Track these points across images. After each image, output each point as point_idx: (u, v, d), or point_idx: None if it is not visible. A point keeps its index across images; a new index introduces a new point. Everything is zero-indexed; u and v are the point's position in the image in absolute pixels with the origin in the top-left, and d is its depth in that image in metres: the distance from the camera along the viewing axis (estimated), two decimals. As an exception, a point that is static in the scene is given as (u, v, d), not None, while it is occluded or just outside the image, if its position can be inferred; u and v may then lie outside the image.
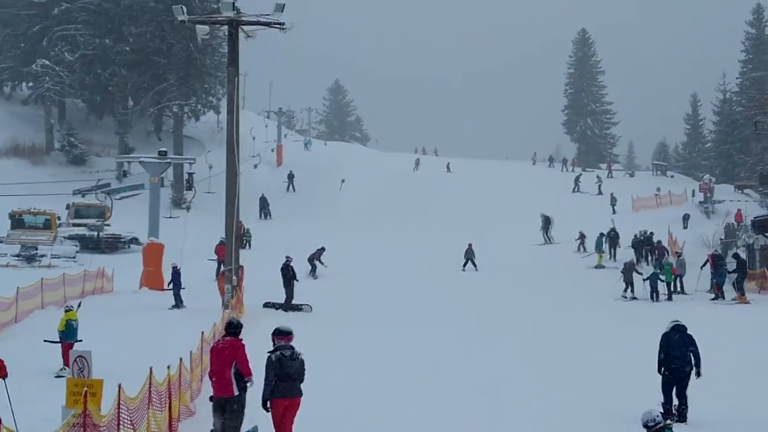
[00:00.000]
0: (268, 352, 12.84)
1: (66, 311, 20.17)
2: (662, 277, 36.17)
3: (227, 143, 29.75)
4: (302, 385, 12.87)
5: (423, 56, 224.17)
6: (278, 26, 28.81)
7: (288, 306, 30.99)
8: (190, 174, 44.56)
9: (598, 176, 77.24)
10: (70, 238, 44.95)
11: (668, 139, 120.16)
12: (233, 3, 28.58)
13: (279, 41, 31.08)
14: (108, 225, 47.51)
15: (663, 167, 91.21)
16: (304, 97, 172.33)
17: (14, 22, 71.36)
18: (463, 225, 54.44)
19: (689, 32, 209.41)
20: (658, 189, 69.54)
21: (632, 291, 35.99)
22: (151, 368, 12.99)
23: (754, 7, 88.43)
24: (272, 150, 79.13)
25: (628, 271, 36.63)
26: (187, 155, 59.03)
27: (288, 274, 31.98)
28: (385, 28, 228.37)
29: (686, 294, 36.97)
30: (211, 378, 13.45)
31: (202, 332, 18.31)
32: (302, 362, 12.88)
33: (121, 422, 11.17)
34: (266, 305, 30.84)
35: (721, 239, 49.02)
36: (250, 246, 47.70)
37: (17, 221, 44.41)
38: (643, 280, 35.85)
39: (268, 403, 12.68)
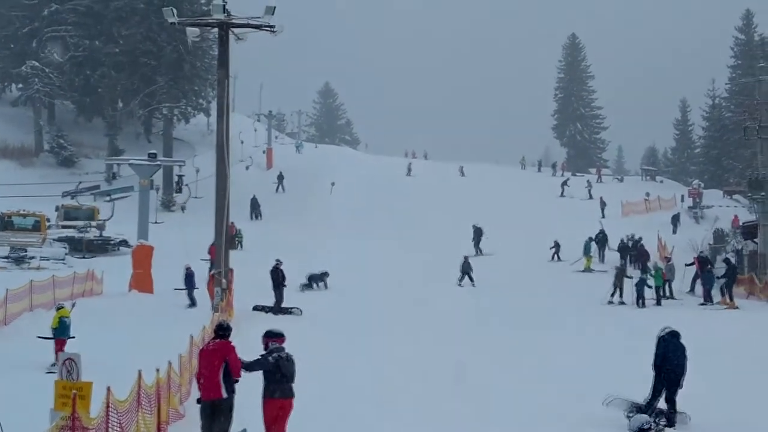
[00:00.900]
0: (262, 355, 12.87)
1: (58, 309, 20.73)
2: (649, 283, 36.18)
3: (217, 146, 29.69)
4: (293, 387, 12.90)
5: (413, 60, 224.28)
6: (268, 29, 28.75)
7: (278, 309, 30.95)
8: (180, 176, 44.55)
9: (588, 181, 77.34)
10: (60, 240, 44.82)
11: (657, 144, 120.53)
12: (224, 5, 28.55)
13: (269, 44, 31.10)
14: (96, 227, 47.37)
15: (652, 172, 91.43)
16: (295, 99, 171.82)
17: (3, 23, 71.18)
18: (451, 228, 54.44)
19: (679, 38, 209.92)
20: (648, 194, 69.72)
21: (621, 295, 36.04)
22: (140, 371, 12.95)
23: (743, 12, 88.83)
24: (263, 152, 79.30)
25: (619, 275, 36.72)
26: (176, 158, 58.99)
27: (277, 278, 31.95)
28: (375, 32, 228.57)
29: (675, 299, 37.03)
30: (198, 380, 13.38)
31: (191, 335, 18.27)
32: (294, 363, 13.01)
33: (110, 425, 11.13)
34: (256, 308, 30.79)
35: (710, 244, 49.21)
36: (242, 246, 48.21)
37: (6, 223, 44.30)
38: (634, 285, 35.90)
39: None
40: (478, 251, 49.48)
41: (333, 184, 69.04)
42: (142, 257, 35.50)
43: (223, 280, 28.67)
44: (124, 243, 46.16)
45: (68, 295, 30.67)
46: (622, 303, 35.67)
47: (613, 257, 46.61)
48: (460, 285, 39.99)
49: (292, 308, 30.89)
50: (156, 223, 40.66)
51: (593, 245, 46.89)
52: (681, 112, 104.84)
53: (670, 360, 16.04)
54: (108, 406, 11.14)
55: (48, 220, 45.88)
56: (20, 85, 72.48)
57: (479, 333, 27.37)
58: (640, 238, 46.29)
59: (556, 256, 48.25)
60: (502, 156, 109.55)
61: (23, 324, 24.99)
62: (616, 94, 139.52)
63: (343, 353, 22.86)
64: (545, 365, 21.90)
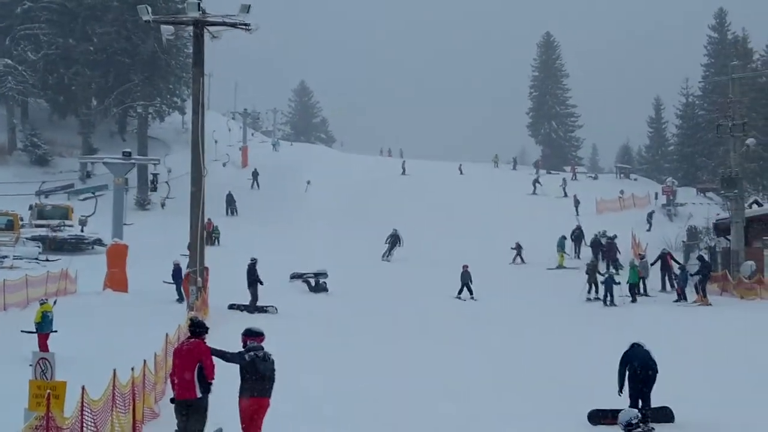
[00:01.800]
0: (239, 352, 12.85)
1: (41, 303, 21.47)
2: (617, 280, 35.98)
3: (192, 144, 29.64)
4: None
5: (389, 58, 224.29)
6: (243, 27, 28.74)
7: (253, 307, 30.92)
8: (155, 175, 44.32)
9: (564, 179, 77.51)
10: (33, 239, 44.51)
11: (632, 142, 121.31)
12: (198, 3, 28.47)
13: (245, 42, 31.06)
14: (80, 224, 47.17)
15: (626, 170, 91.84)
16: (270, 98, 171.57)
17: (-24, 21, 70.60)
18: (426, 226, 54.53)
19: (653, 36, 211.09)
20: (622, 191, 70.00)
21: (596, 291, 36.20)
22: (114, 370, 12.90)
23: (717, 11, 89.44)
24: (239, 149, 79.33)
25: (591, 271, 36.88)
26: (151, 156, 58.72)
27: (253, 276, 31.90)
28: (350, 31, 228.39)
29: (649, 296, 37.22)
30: (172, 379, 13.28)
31: (167, 334, 18.23)
32: (273, 363, 12.94)
33: (84, 425, 11.08)
34: (231, 307, 30.75)
35: (683, 241, 49.52)
36: (219, 243, 48.91)
37: (-22, 222, 43.92)
38: (601, 282, 35.96)
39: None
40: (388, 255, 46.75)
41: (308, 182, 69.03)
42: (117, 256, 35.35)
43: (199, 279, 28.60)
44: (99, 242, 45.91)
45: (42, 295, 30.48)
46: (597, 299, 35.82)
47: (588, 254, 46.80)
48: (459, 297, 36.71)
49: (267, 307, 30.86)
50: (126, 224, 40.41)
51: (566, 242, 46.93)
52: (655, 110, 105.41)
53: (633, 365, 16.20)
54: (82, 406, 11.09)
55: (21, 219, 45.56)
56: (-7, 84, 71.94)
57: (453, 332, 27.47)
58: (615, 236, 46.42)
59: (518, 258, 46.78)
60: (477, 154, 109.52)
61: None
62: (590, 92, 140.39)
63: (319, 352, 22.85)
64: (522, 364, 21.99)
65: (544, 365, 21.80)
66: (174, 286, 32.96)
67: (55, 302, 22.74)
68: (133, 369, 14.02)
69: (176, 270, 32.95)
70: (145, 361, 15.19)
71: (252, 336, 13.07)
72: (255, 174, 69.29)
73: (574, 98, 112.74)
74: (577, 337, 26.58)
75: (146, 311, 29.46)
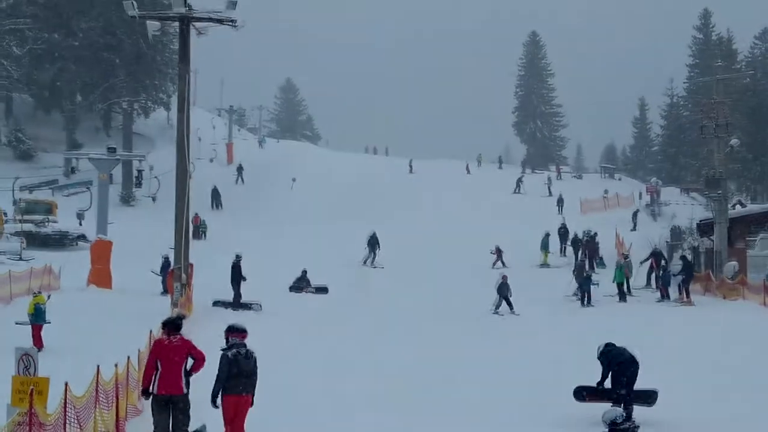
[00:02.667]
0: (222, 349, 12.81)
1: (34, 296, 22.43)
2: (595, 281, 35.61)
3: (177, 141, 29.54)
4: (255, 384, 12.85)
5: (374, 56, 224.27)
6: (230, 23, 28.66)
7: (237, 304, 30.88)
8: (140, 171, 44.23)
9: (549, 178, 77.70)
10: (17, 234, 44.31)
11: (616, 141, 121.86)
12: (185, -1, 28.41)
13: (231, 38, 31.02)
14: (55, 221, 47.02)
15: (611, 170, 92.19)
16: (256, 95, 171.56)
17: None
18: (411, 224, 54.60)
19: (638, 36, 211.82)
20: (606, 191, 70.25)
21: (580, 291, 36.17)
22: (98, 366, 12.88)
23: (701, 12, 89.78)
24: (226, 143, 79.68)
25: (579, 271, 36.90)
26: (136, 152, 58.55)
27: (237, 273, 31.87)
28: (335, 28, 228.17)
29: (632, 295, 37.27)
30: (151, 374, 12.82)
31: (150, 330, 18.19)
32: (255, 360, 12.90)
33: (67, 421, 11.08)
34: (216, 304, 30.73)
35: (667, 241, 49.67)
36: (205, 237, 49.79)
37: (-38, 218, 43.70)
38: (578, 282, 35.78)
39: (219, 399, 12.65)
40: (370, 260, 44.32)
41: (294, 179, 69.07)
42: (101, 252, 35.28)
43: (183, 275, 28.55)
44: (83, 238, 45.78)
45: (25, 290, 30.41)
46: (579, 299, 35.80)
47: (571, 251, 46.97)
48: (497, 312, 32.65)
49: (252, 303, 30.84)
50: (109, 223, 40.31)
51: (550, 239, 46.89)
52: (640, 110, 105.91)
53: (615, 362, 16.34)
54: (66, 402, 11.08)
55: (5, 214, 45.36)
56: (-23, 78, 71.59)
57: (435, 331, 27.53)
58: (595, 234, 46.49)
59: (499, 262, 44.60)
60: (462, 153, 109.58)
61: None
62: (576, 92, 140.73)
63: (303, 349, 22.89)
64: (505, 364, 22.05)
65: (522, 364, 21.86)
66: (160, 278, 33.83)
67: (49, 297, 23.55)
68: (116, 365, 13.99)
69: (165, 263, 33.47)
70: (128, 357, 15.17)
71: (234, 332, 12.99)
72: (240, 169, 70.20)
73: (559, 98, 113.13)
74: (559, 337, 26.66)
75: (130, 307, 29.38)
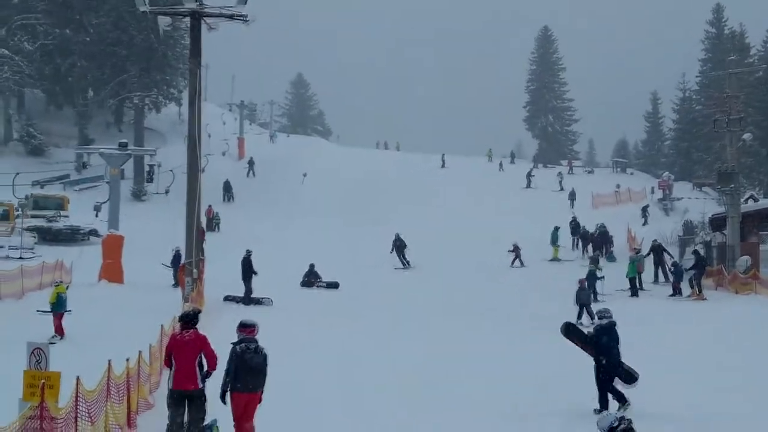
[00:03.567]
0: (232, 344, 12.79)
1: (56, 285, 23.13)
2: (599, 275, 34.85)
3: (189, 136, 29.56)
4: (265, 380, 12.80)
5: (385, 51, 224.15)
6: (241, 18, 28.63)
7: (248, 299, 30.91)
8: (151, 166, 44.14)
9: (560, 173, 77.53)
10: (29, 229, 44.44)
11: (628, 136, 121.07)
12: (195, -6, 28.41)
13: (242, 33, 31.00)
14: (66, 216, 47.14)
15: (623, 164, 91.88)
16: (267, 90, 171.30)
17: (-28, 10, 70.39)
18: (418, 220, 54.53)
19: (650, 31, 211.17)
20: (618, 186, 70.08)
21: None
22: (109, 361, 12.89)
23: (714, 6, 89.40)
24: (237, 139, 79.81)
25: (593, 264, 36.82)
26: (147, 147, 58.61)
27: (248, 268, 31.90)
28: (348, 24, 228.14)
29: (644, 290, 37.18)
30: (168, 369, 13.03)
31: (162, 325, 18.23)
32: (265, 357, 12.81)
33: (78, 415, 11.08)
34: (227, 299, 30.77)
35: (679, 236, 49.53)
36: (219, 229, 51.49)
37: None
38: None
39: (228, 395, 12.64)
40: (404, 263, 43.23)
41: (305, 174, 69.11)
42: (113, 247, 35.35)
43: (194, 270, 28.57)
44: (94, 233, 45.87)
45: (37, 285, 30.52)
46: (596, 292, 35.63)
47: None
48: (579, 323, 25.11)
49: (263, 298, 30.87)
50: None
51: (559, 232, 46.78)
52: (652, 104, 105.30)
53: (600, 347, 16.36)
54: (77, 396, 11.08)
55: (17, 210, 45.49)
56: (-11, 74, 71.75)
57: (444, 326, 27.48)
58: (602, 225, 46.41)
59: (518, 260, 43.93)
60: (473, 148, 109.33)
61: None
62: (587, 86, 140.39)
63: (313, 344, 22.86)
64: (511, 360, 21.99)
65: (529, 361, 21.80)
66: (171, 271, 34.62)
67: (68, 286, 24.58)
68: (128, 360, 14.00)
69: (176, 256, 33.96)
70: (140, 351, 15.18)
71: (243, 328, 12.95)
72: (251, 163, 70.85)
73: (571, 92, 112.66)
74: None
75: (141, 302, 29.46)
